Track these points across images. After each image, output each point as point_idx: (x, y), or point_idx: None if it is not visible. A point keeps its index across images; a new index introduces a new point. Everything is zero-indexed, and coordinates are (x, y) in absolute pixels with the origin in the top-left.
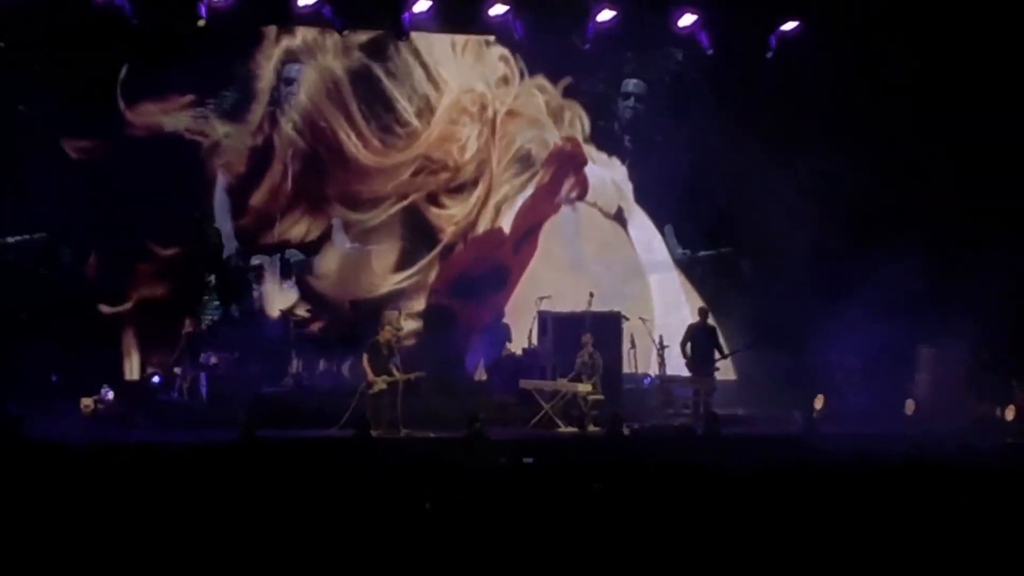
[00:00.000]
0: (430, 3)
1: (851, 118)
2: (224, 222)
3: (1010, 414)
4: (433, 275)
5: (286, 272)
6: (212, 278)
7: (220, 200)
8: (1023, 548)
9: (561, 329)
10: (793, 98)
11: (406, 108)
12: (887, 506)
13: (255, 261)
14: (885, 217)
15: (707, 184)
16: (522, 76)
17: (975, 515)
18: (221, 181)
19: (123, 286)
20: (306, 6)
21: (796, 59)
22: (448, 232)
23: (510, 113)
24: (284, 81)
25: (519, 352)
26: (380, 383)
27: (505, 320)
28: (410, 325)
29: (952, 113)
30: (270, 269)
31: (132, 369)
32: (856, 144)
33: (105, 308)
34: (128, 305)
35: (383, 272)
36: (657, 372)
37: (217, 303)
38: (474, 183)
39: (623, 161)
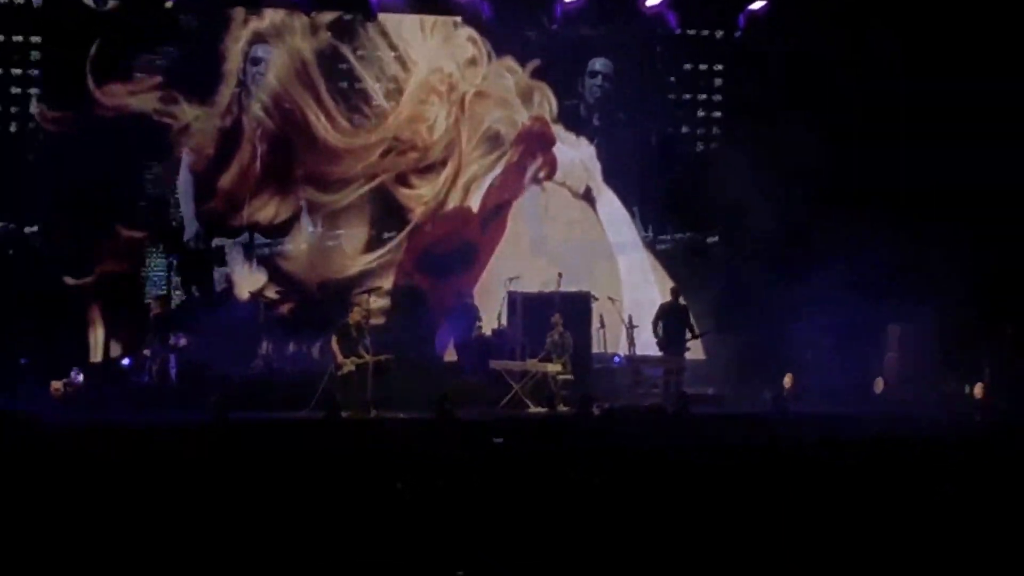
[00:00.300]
0: None
1: (820, 97)
2: (187, 204)
3: (979, 391)
4: (402, 254)
5: (249, 254)
6: (173, 260)
7: (184, 181)
8: (992, 523)
9: (530, 309)
10: (762, 77)
11: (375, 89)
12: (856, 486)
13: (217, 243)
14: (855, 196)
15: (675, 163)
16: (490, 58)
17: (947, 492)
18: (186, 162)
19: (89, 266)
20: None
21: (765, 38)
22: (417, 212)
23: (479, 94)
24: (251, 62)
25: (488, 333)
26: (349, 365)
27: (474, 301)
28: (379, 303)
29: (921, 90)
30: (234, 251)
31: (97, 348)
32: (825, 123)
33: (70, 280)
34: (91, 279)
35: (353, 253)
36: (626, 352)
37: (180, 285)
38: (443, 163)
39: (591, 141)
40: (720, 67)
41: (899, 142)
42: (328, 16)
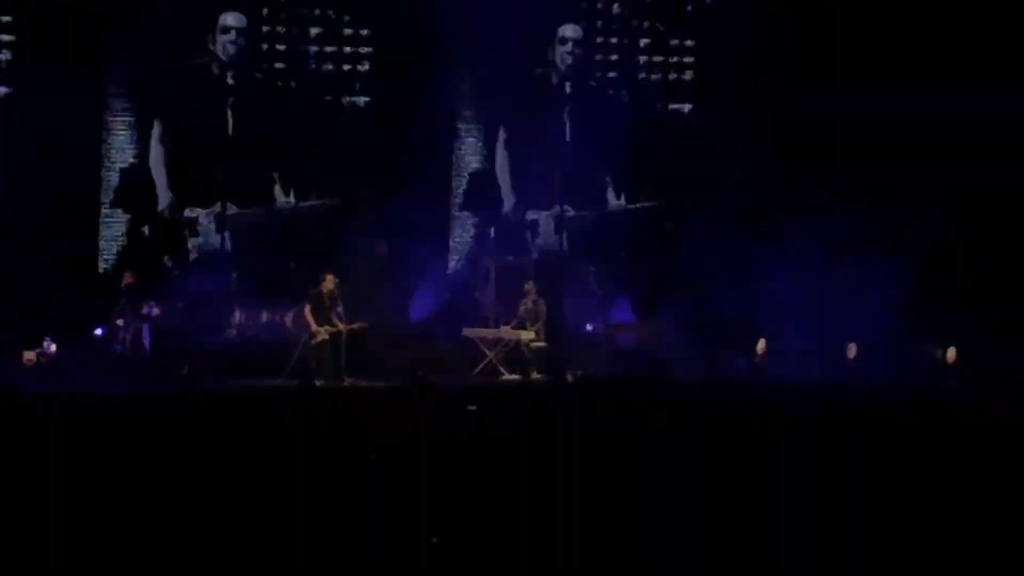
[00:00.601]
0: None
1: (787, 65)
2: (159, 174)
3: (951, 356)
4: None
5: (222, 225)
6: (146, 230)
7: (156, 152)
8: (965, 490)
9: (504, 277)
10: (729, 44)
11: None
12: (830, 449)
13: (190, 213)
14: (825, 157)
15: (646, 130)
16: None
17: (924, 456)
18: (156, 132)
19: (58, 234)
20: None
21: (735, 5)
22: None
23: None
24: (222, 30)
25: (462, 300)
26: (323, 333)
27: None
28: None
29: (882, 63)
30: (207, 220)
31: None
32: (799, 85)
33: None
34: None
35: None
36: (600, 319)
37: (152, 255)
38: None
39: (564, 109)
40: (687, 35)
41: (877, 100)
42: None
